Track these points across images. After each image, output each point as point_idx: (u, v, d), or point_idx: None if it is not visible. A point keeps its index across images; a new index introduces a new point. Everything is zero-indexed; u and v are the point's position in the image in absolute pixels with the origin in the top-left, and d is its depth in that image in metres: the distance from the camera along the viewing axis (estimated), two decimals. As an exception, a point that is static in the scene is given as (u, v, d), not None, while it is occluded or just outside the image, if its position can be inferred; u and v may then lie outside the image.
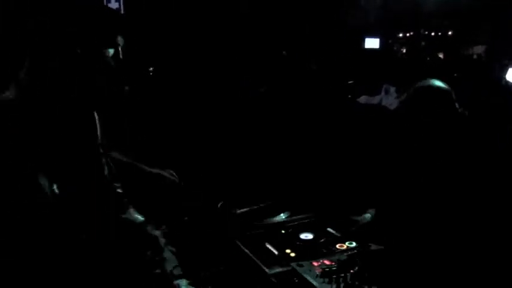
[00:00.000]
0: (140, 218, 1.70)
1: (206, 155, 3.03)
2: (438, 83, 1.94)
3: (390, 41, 8.96)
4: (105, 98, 1.41)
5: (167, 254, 2.22)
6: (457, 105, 1.94)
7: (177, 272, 2.09)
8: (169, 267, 2.12)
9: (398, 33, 9.08)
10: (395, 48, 8.75)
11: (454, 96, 1.93)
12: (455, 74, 4.60)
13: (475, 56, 5.29)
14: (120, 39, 1.62)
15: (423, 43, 8.61)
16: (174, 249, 2.25)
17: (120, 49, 1.64)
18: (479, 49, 5.36)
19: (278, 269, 1.74)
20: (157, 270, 1.89)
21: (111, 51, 1.55)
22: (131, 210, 1.69)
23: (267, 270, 1.75)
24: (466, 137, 1.91)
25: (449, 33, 8.34)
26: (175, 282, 2.02)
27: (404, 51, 8.51)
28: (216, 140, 3.14)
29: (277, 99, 3.50)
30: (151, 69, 3.18)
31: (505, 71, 4.37)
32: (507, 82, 4.11)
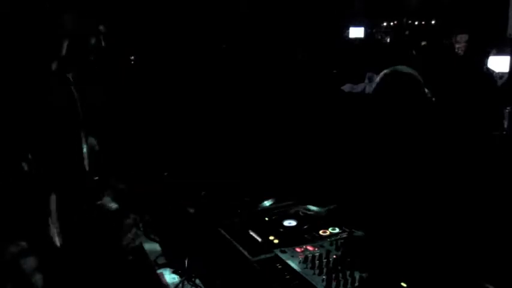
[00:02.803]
0: (115, 205, 1.69)
1: (190, 144, 3.02)
2: (405, 68, 1.96)
3: (374, 30, 8.98)
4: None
5: (150, 243, 2.23)
6: (426, 90, 1.95)
7: (160, 260, 2.10)
8: (152, 256, 2.12)
9: (383, 23, 9.12)
10: (379, 37, 8.78)
11: (421, 81, 1.94)
12: (438, 62, 4.63)
13: (457, 45, 5.31)
14: (102, 27, 1.58)
15: (407, 32, 8.66)
16: (157, 238, 2.26)
17: (101, 37, 1.61)
18: (462, 38, 5.37)
19: (262, 256, 1.74)
20: (139, 259, 1.88)
21: (93, 39, 1.53)
22: (107, 198, 1.68)
23: (250, 257, 1.75)
24: (435, 122, 1.93)
25: (432, 22, 8.40)
26: (159, 271, 2.02)
27: (388, 40, 8.54)
28: (200, 128, 3.12)
29: (260, 88, 3.49)
30: (132, 57, 3.14)
31: (486, 58, 4.41)
32: (488, 69, 4.15)
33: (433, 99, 1.97)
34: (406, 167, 1.85)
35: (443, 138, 1.88)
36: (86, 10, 1.48)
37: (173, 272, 1.99)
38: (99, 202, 1.64)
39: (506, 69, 3.87)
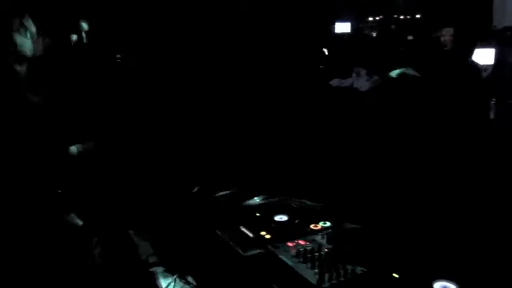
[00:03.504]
0: (80, 222, 1.67)
1: (179, 141, 3.00)
2: (410, 71, 1.98)
3: (361, 25, 9.02)
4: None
5: (142, 242, 2.22)
6: (428, 91, 1.98)
7: (152, 259, 2.09)
8: (144, 255, 2.11)
9: (368, 17, 9.17)
10: (366, 32, 8.82)
11: (424, 83, 1.96)
12: (424, 55, 4.66)
13: (443, 38, 5.35)
14: (83, 24, 1.57)
15: (393, 26, 8.71)
16: (148, 237, 2.25)
17: (84, 34, 1.60)
18: (447, 31, 5.41)
19: (254, 251, 1.74)
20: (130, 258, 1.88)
21: (74, 36, 1.51)
22: (72, 214, 1.66)
23: (242, 253, 1.75)
24: (432, 119, 1.95)
25: (418, 16, 8.46)
26: (151, 269, 2.01)
27: (374, 34, 8.59)
28: (188, 125, 3.11)
29: (249, 83, 3.48)
30: (119, 56, 3.11)
31: (471, 51, 4.45)
32: (472, 62, 4.19)
33: (434, 98, 2.00)
34: (402, 161, 1.87)
35: (438, 132, 1.91)
36: (63, 8, 1.47)
37: (165, 271, 1.98)
38: (65, 217, 1.62)
39: (490, 62, 3.91)
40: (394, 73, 1.99)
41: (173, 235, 2.14)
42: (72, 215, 1.67)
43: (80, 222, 1.69)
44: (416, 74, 1.95)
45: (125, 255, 2.14)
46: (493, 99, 3.38)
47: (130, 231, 2.17)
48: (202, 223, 2.05)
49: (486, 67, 4.11)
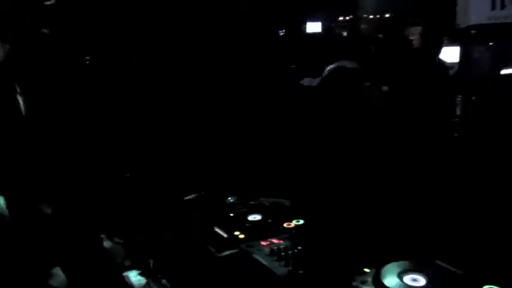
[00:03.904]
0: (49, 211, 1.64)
1: (150, 144, 2.98)
2: (348, 63, 2.04)
3: (332, 25, 9.12)
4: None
5: (114, 246, 2.19)
6: (367, 83, 2.03)
7: (126, 263, 2.07)
8: (117, 258, 2.09)
9: (339, 17, 9.29)
10: (337, 31, 8.92)
11: (362, 75, 2.02)
12: (393, 54, 4.76)
13: (411, 37, 5.47)
14: (45, 31, 1.53)
15: (363, 26, 8.85)
16: (121, 241, 2.23)
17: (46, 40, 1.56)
18: (416, 30, 5.55)
19: (228, 252, 1.75)
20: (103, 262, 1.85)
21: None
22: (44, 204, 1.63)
23: (216, 253, 1.75)
24: (379, 112, 2.00)
25: (387, 15, 8.62)
26: (125, 273, 1.99)
27: (345, 34, 8.70)
28: (160, 128, 3.09)
29: (219, 84, 3.48)
30: (87, 58, 3.06)
31: (439, 50, 4.57)
32: (439, 60, 4.30)
33: (375, 90, 2.06)
34: (367, 157, 1.91)
35: (393, 127, 1.95)
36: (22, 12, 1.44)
37: (139, 274, 1.97)
38: (39, 205, 1.59)
39: (457, 59, 4.02)
40: (329, 67, 2.06)
41: (146, 238, 2.13)
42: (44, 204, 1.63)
43: (49, 211, 1.65)
44: (353, 65, 2.01)
45: (97, 259, 2.11)
46: (459, 96, 3.48)
47: (103, 235, 2.14)
48: (176, 225, 2.04)
49: (452, 65, 4.22)
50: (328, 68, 2.04)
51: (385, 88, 2.08)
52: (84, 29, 3.31)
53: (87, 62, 3.01)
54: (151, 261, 1.96)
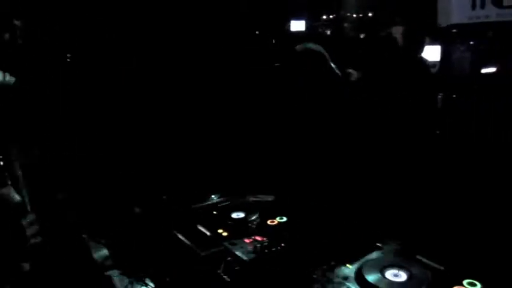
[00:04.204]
0: (18, 197, 1.60)
1: (132, 144, 2.95)
2: (313, 45, 2.06)
3: (316, 23, 9.15)
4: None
5: (96, 245, 2.16)
6: (332, 65, 2.05)
7: (108, 262, 2.04)
8: (99, 258, 2.06)
9: (323, 16, 9.33)
10: (320, 30, 8.96)
11: (327, 57, 2.04)
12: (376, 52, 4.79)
13: (394, 36, 5.50)
14: (18, 22, 1.50)
15: (346, 24, 8.90)
16: (103, 241, 2.20)
17: (18, 33, 1.53)
18: (397, 29, 5.58)
19: (211, 250, 1.74)
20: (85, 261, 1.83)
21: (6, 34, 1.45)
22: (10, 188, 1.59)
23: (199, 251, 1.74)
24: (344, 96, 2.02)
25: (370, 14, 8.69)
26: (107, 273, 1.97)
27: (329, 32, 8.75)
28: (142, 125, 3.07)
29: (204, 81, 3.48)
30: (69, 55, 3.02)
31: (421, 49, 4.62)
32: (421, 58, 4.35)
33: (339, 73, 2.08)
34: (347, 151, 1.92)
35: (376, 125, 1.97)
36: None
37: (121, 273, 1.95)
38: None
39: (438, 58, 4.07)
40: (296, 48, 2.09)
41: (129, 237, 2.11)
42: (10, 189, 1.58)
43: (18, 197, 1.60)
44: (318, 48, 2.04)
45: (79, 259, 2.09)
46: (440, 94, 3.53)
47: (85, 235, 2.12)
48: (159, 224, 2.02)
49: (434, 63, 4.27)
50: (294, 48, 2.05)
51: (354, 73, 2.09)
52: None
53: (68, 60, 2.98)
54: (134, 261, 1.94)
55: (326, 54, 2.01)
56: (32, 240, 1.64)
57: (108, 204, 2.33)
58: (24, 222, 1.60)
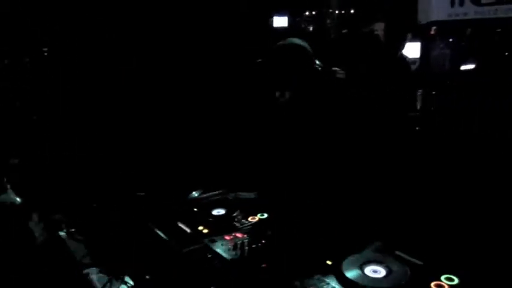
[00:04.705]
0: (18, 199, 1.59)
1: (113, 139, 2.91)
2: (295, 40, 2.04)
3: (298, 19, 9.14)
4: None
5: (75, 243, 2.13)
6: (316, 61, 2.03)
7: (86, 260, 2.01)
8: (78, 256, 2.03)
9: (305, 12, 9.33)
10: (303, 26, 8.96)
11: (311, 52, 2.02)
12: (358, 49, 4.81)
13: (376, 32, 5.54)
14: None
15: (328, 21, 8.92)
16: (82, 238, 2.17)
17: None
18: (379, 26, 5.63)
19: (191, 247, 1.73)
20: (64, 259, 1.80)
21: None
22: (10, 191, 1.58)
23: (179, 249, 1.73)
24: (327, 92, 2.01)
25: (351, 11, 8.72)
26: (86, 271, 1.94)
27: (311, 28, 8.76)
28: (124, 121, 3.03)
29: (182, 80, 3.45)
30: (45, 49, 2.95)
31: (402, 45, 4.66)
32: (401, 55, 4.39)
33: (321, 69, 2.06)
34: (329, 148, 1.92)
35: (356, 121, 1.97)
36: None
37: (100, 271, 1.92)
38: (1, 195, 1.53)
39: (418, 55, 4.11)
40: (279, 43, 2.06)
41: (108, 234, 2.08)
42: (10, 192, 1.57)
43: (18, 200, 1.59)
44: (302, 43, 2.02)
45: (57, 257, 2.05)
46: (420, 91, 3.57)
47: (62, 233, 2.08)
48: (139, 221, 2.00)
49: (414, 60, 4.31)
50: (277, 44, 2.02)
51: (340, 72, 2.09)
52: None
53: (45, 54, 2.92)
54: (113, 258, 1.91)
55: (310, 50, 2.00)
56: (40, 238, 1.64)
57: (87, 201, 2.30)
58: (30, 224, 1.59)
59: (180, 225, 1.90)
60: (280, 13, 7.86)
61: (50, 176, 2.51)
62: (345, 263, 1.45)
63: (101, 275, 1.90)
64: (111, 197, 2.25)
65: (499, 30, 3.91)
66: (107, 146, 2.94)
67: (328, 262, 1.49)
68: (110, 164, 2.70)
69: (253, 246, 1.65)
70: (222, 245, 1.69)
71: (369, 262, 1.44)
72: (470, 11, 3.03)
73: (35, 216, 1.66)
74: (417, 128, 3.13)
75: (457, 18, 3.09)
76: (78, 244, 2.14)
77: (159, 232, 1.87)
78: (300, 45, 1.99)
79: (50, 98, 2.64)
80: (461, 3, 3.06)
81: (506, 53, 3.92)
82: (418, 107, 3.50)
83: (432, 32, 3.85)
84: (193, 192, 2.22)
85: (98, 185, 2.44)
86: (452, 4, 3.08)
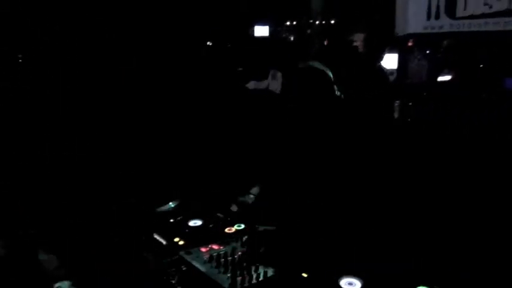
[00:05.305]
0: None
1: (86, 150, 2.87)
2: (318, 64, 2.03)
3: (279, 29, 9.22)
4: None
5: (47, 255, 2.08)
6: (335, 87, 2.04)
7: (58, 273, 1.96)
8: (49, 267, 1.98)
9: (286, 22, 9.41)
10: (284, 35, 9.04)
11: (332, 78, 2.03)
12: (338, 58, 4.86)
13: (355, 43, 5.60)
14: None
15: (309, 31, 9.01)
16: (54, 249, 2.11)
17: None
18: (359, 36, 5.69)
19: (166, 259, 1.70)
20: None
21: None
22: None
23: (155, 261, 1.70)
24: (342, 116, 2.02)
25: (332, 22, 8.83)
26: (57, 285, 1.89)
27: (292, 38, 8.83)
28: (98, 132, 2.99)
29: (162, 86, 3.43)
30: (20, 56, 2.90)
31: (380, 56, 4.72)
32: (380, 66, 4.44)
33: (342, 96, 2.07)
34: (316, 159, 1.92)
35: (349, 131, 1.97)
36: None
37: (72, 284, 1.87)
38: None
39: (396, 66, 4.17)
40: (301, 65, 2.06)
41: (82, 246, 2.03)
42: None
43: None
44: (323, 68, 2.03)
45: (29, 269, 2.00)
46: (397, 101, 3.61)
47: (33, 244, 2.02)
48: (114, 232, 1.96)
49: (392, 71, 4.37)
50: (299, 67, 2.02)
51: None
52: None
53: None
54: (86, 271, 1.86)
55: (331, 76, 2.00)
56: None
57: (60, 211, 2.25)
58: None
59: (156, 236, 1.87)
60: (262, 23, 7.91)
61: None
62: (320, 276, 1.44)
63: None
64: (85, 206, 2.21)
65: (473, 43, 4.01)
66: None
67: (304, 275, 1.48)
68: (83, 172, 2.65)
69: (229, 258, 1.63)
70: (197, 257, 1.67)
71: (344, 274, 1.44)
72: (445, 24, 3.09)
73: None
74: (394, 138, 3.15)
75: (433, 31, 3.15)
76: (51, 256, 2.08)
77: (135, 244, 1.84)
78: (323, 71, 1.99)
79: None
80: (437, 17, 3.12)
81: (481, 65, 4.01)
82: (396, 117, 3.55)
83: (410, 44, 3.92)
84: (170, 203, 2.19)
85: (71, 193, 2.40)
86: (429, 17, 3.14)
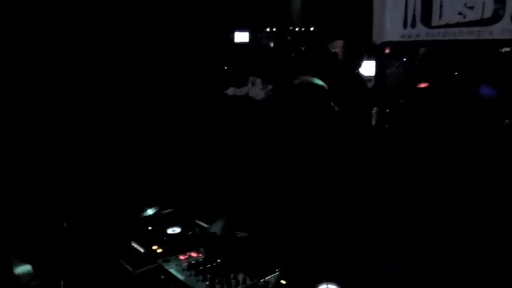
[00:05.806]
0: None
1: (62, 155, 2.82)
2: (316, 80, 2.04)
3: (259, 35, 9.26)
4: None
5: (21, 264, 2.03)
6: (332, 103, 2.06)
7: (34, 283, 1.92)
8: (24, 279, 1.94)
9: (266, 28, 9.45)
10: (264, 42, 9.07)
11: (328, 93, 2.04)
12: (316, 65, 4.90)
13: (333, 50, 5.67)
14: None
15: (288, 37, 9.08)
16: (31, 260, 2.07)
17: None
18: (338, 43, 5.76)
19: (144, 268, 1.68)
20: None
21: None
22: None
23: (132, 270, 1.68)
24: (337, 132, 2.04)
25: (311, 29, 8.92)
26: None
27: (272, 44, 8.88)
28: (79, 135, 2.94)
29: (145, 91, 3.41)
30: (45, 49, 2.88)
31: (359, 63, 4.78)
32: (358, 73, 4.51)
33: (336, 108, 2.08)
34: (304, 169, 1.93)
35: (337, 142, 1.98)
36: None
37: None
38: None
39: (373, 73, 4.23)
40: (299, 79, 2.06)
41: (58, 254, 1.99)
42: None
43: None
44: (322, 83, 2.04)
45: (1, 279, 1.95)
46: (374, 108, 3.66)
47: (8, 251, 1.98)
48: (91, 240, 1.93)
49: (370, 78, 4.43)
50: (294, 81, 2.01)
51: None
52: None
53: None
54: (64, 280, 1.83)
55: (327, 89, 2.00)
56: None
57: (34, 218, 2.20)
58: None
59: (134, 244, 1.85)
60: (242, 29, 7.93)
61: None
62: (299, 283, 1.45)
63: (48, 298, 1.82)
64: (62, 214, 2.17)
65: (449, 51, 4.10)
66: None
67: (283, 281, 1.48)
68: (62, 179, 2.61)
69: (208, 265, 1.63)
70: (176, 265, 1.66)
71: (322, 280, 1.44)
72: (422, 33, 3.15)
73: None
74: (372, 145, 3.19)
75: (410, 39, 3.21)
76: (25, 264, 2.04)
77: (112, 252, 1.81)
78: (321, 86, 1.99)
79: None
80: (413, 25, 3.18)
81: (456, 73, 4.10)
82: (373, 124, 3.60)
83: (387, 51, 3.99)
84: (148, 210, 2.17)
85: (46, 200, 2.35)
86: (405, 26, 3.20)
